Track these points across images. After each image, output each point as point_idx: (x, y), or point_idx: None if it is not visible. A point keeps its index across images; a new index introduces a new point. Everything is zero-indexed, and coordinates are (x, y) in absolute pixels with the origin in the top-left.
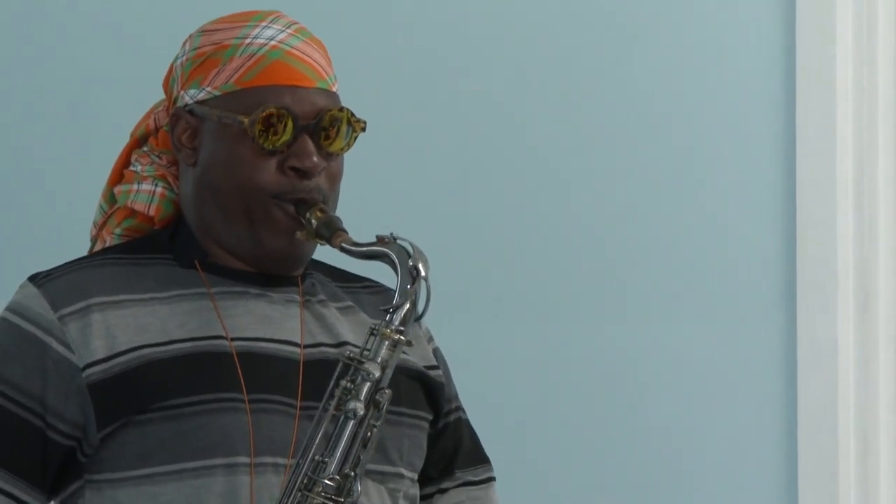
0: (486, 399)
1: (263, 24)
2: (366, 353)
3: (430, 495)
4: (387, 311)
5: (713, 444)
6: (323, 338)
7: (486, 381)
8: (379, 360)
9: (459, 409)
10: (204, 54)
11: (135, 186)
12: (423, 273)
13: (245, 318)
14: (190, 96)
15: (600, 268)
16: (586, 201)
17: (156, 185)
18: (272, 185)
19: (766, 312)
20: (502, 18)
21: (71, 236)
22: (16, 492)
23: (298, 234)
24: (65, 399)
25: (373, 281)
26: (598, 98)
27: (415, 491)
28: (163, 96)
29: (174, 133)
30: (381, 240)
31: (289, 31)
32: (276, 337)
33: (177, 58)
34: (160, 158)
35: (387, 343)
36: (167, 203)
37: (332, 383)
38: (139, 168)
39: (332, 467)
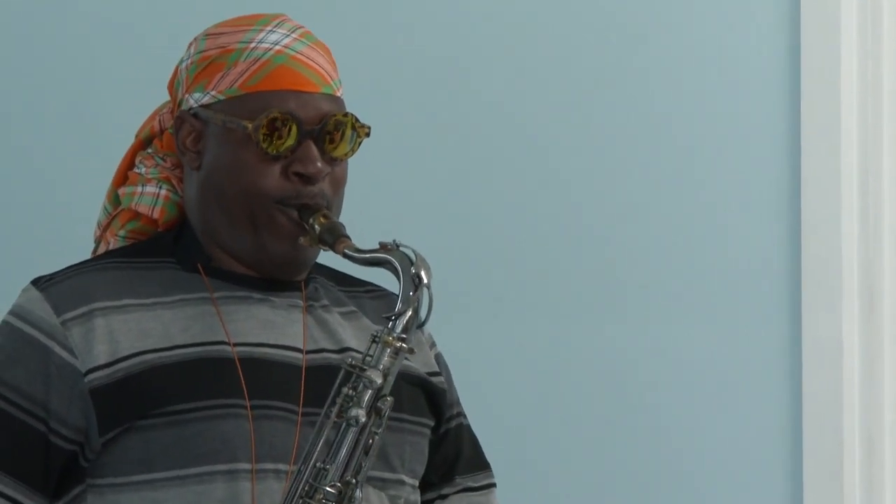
0: (487, 399)
1: (268, 28)
2: (368, 360)
3: (431, 501)
4: (389, 319)
5: (717, 444)
6: (325, 343)
7: (488, 381)
8: (381, 367)
9: (461, 414)
10: (209, 58)
11: (139, 189)
12: (425, 280)
13: (248, 323)
14: (194, 100)
15: (603, 267)
16: (588, 201)
17: (160, 187)
18: (276, 191)
19: (771, 312)
20: (505, 20)
21: (74, 238)
22: (18, 496)
23: (301, 240)
24: (67, 404)
25: (376, 285)
26: (599, 97)
27: (416, 497)
28: (168, 98)
29: (178, 136)
30: (383, 247)
31: (294, 35)
32: (278, 342)
33: (182, 60)
34: (164, 161)
35: (389, 350)
36: (171, 206)
37: (333, 390)
38: (143, 170)
39: (334, 474)
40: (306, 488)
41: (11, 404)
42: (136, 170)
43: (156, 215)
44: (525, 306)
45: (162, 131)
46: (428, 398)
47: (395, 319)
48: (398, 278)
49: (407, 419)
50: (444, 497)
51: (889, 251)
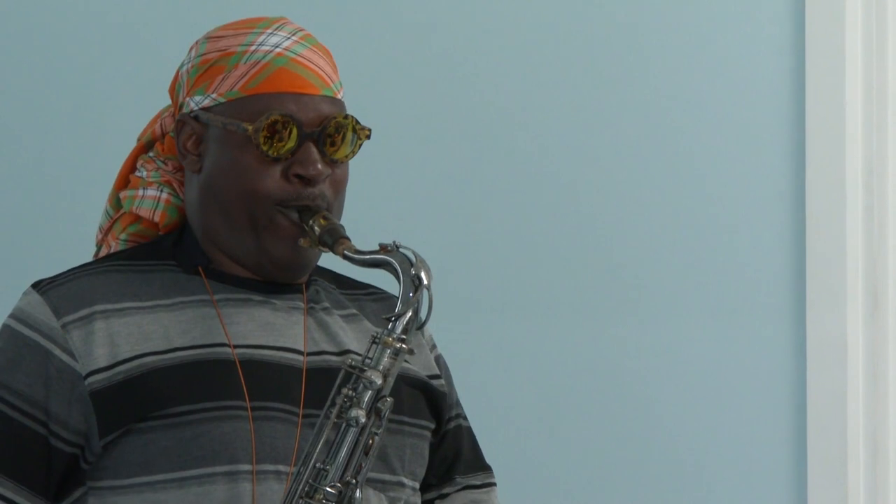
0: (492, 400)
1: (269, 31)
2: (367, 361)
3: (431, 501)
4: (389, 320)
5: (722, 444)
6: (326, 346)
7: (492, 382)
8: (381, 368)
9: (460, 416)
10: (209, 61)
11: (140, 192)
12: (425, 282)
13: (248, 326)
14: (195, 103)
15: (607, 268)
16: (593, 202)
17: (161, 190)
18: (276, 193)
19: (776, 312)
20: (509, 22)
21: (75, 242)
22: (19, 499)
23: (301, 242)
24: (67, 407)
25: (377, 288)
26: (606, 99)
27: (416, 500)
28: (169, 102)
29: (179, 139)
30: (383, 248)
31: (294, 38)
32: (278, 344)
33: (182, 64)
34: (166, 164)
35: (389, 351)
36: (172, 209)
37: (333, 391)
38: (145, 174)
39: (334, 475)
40: (306, 489)
41: (12, 407)
42: (137, 173)
43: (157, 219)
44: (529, 307)
45: (163, 135)
46: (428, 401)
47: (395, 320)
48: (398, 279)
49: (407, 421)
50: (445, 496)
51: (893, 251)
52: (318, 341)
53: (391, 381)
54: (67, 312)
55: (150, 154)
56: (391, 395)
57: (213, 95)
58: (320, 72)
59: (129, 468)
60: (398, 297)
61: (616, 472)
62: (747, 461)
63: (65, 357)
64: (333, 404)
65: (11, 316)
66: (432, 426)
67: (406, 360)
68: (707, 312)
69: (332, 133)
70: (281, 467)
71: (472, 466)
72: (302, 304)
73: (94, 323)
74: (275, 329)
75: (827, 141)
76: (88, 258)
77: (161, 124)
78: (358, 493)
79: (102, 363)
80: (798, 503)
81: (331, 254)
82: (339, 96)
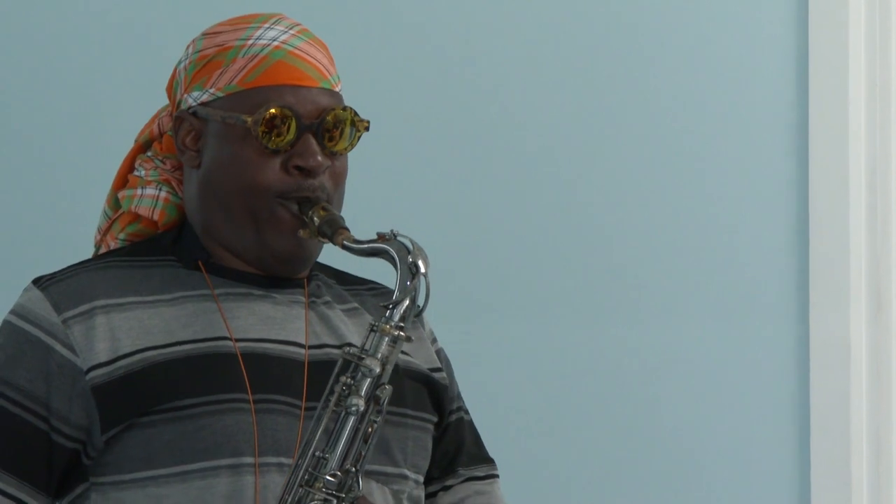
0: (494, 401)
1: (266, 25)
2: (366, 349)
3: (434, 494)
4: (386, 308)
5: (726, 445)
6: (327, 339)
7: (495, 382)
8: (379, 355)
9: (462, 409)
10: (207, 56)
11: (139, 191)
12: (422, 269)
13: (249, 320)
14: (193, 98)
15: (612, 268)
16: (597, 202)
17: (160, 189)
18: (276, 185)
19: (779, 312)
20: (510, 17)
21: (76, 239)
22: (21, 495)
23: (301, 233)
24: (69, 402)
25: (377, 283)
26: (608, 98)
27: (419, 492)
28: (167, 102)
29: (178, 135)
30: (381, 237)
31: (291, 31)
32: (280, 338)
33: (180, 61)
34: (164, 163)
35: (387, 339)
36: (171, 208)
37: (332, 379)
38: (143, 173)
39: (333, 463)
40: (306, 477)
41: (13, 403)
42: (135, 173)
43: (156, 217)
44: (531, 307)
45: (161, 134)
46: (430, 394)
47: (393, 308)
48: (395, 267)
49: (409, 414)
50: (448, 488)
51: None
52: (319, 334)
53: (389, 368)
54: (68, 308)
55: (149, 154)
56: (395, 388)
57: (212, 90)
58: (318, 64)
59: (132, 463)
60: (395, 285)
61: (619, 473)
62: (751, 461)
63: (66, 352)
64: (332, 392)
65: (12, 312)
66: (435, 419)
67: (406, 353)
68: (710, 312)
69: (330, 125)
70: (284, 460)
71: (475, 458)
72: (303, 299)
73: (94, 318)
74: (276, 323)
75: (830, 140)
76: (88, 256)
77: (159, 124)
78: (358, 482)
79: (103, 358)
80: (801, 502)
81: (331, 252)
82: (336, 89)
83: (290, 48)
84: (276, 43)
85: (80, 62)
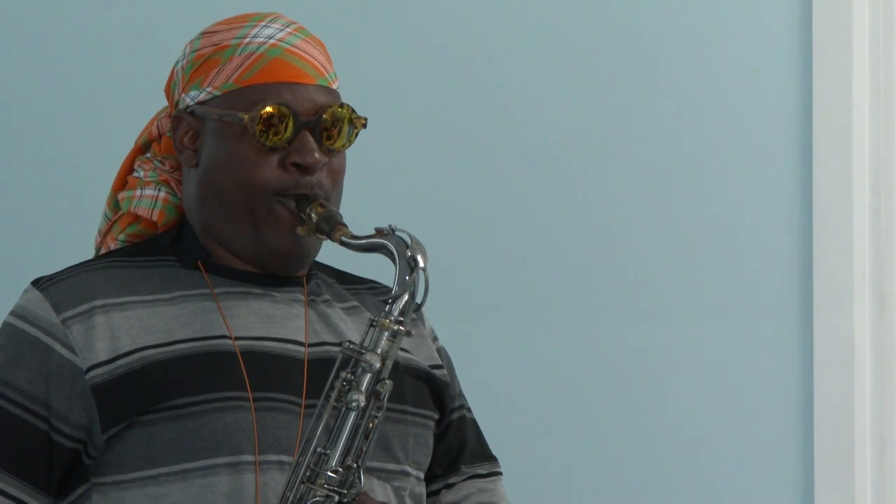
0: (501, 400)
1: (262, 23)
2: (365, 344)
3: (437, 492)
4: (386, 302)
5: (729, 446)
6: (327, 337)
7: (498, 381)
8: (379, 351)
9: (464, 407)
10: (204, 55)
11: (138, 192)
12: (421, 264)
13: (248, 318)
14: (191, 98)
15: (614, 270)
16: (599, 204)
17: (159, 190)
18: (274, 182)
19: (783, 313)
20: (510, 17)
21: (75, 240)
22: (21, 495)
23: (299, 230)
24: (69, 402)
25: (377, 282)
26: (612, 100)
27: (420, 489)
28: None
29: (176, 135)
30: (379, 232)
31: (288, 30)
32: (279, 336)
33: (177, 61)
34: (163, 164)
35: (386, 334)
36: (170, 208)
37: (332, 375)
38: (142, 174)
39: (335, 459)
40: (307, 474)
41: (13, 403)
42: (134, 174)
43: (155, 217)
44: (533, 309)
45: (160, 135)
46: (431, 391)
47: (392, 303)
48: (394, 262)
49: (410, 411)
50: (451, 486)
51: None
52: (319, 332)
53: (390, 363)
54: (67, 308)
55: (148, 155)
56: (395, 386)
57: (209, 89)
58: (315, 62)
59: (133, 462)
60: (394, 280)
61: (620, 473)
62: (754, 462)
63: (65, 352)
64: (332, 388)
65: (12, 313)
66: (436, 416)
67: (407, 350)
68: (713, 313)
69: (328, 123)
70: (284, 457)
71: (478, 456)
72: (302, 297)
73: (94, 317)
74: (275, 321)
75: (834, 142)
76: (87, 258)
77: (158, 125)
78: (359, 478)
79: (103, 357)
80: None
81: (330, 249)
82: (334, 86)
83: (287, 46)
84: (272, 41)
85: (80, 62)
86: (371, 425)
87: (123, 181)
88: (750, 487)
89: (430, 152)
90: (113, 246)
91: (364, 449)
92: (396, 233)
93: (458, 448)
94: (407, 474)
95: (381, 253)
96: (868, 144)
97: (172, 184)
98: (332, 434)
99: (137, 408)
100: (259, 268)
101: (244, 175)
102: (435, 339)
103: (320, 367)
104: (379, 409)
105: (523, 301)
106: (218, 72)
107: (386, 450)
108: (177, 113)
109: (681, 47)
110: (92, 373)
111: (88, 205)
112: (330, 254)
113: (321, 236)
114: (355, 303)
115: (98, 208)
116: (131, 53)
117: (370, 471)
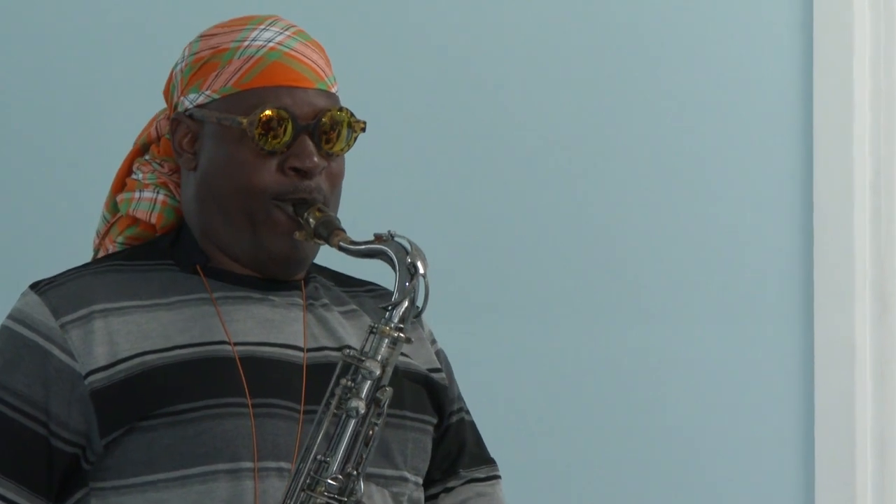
0: (501, 401)
1: (261, 27)
2: (366, 351)
3: (436, 495)
4: (386, 309)
5: (730, 446)
6: (326, 341)
7: (498, 381)
8: (379, 357)
9: (462, 410)
10: (202, 59)
11: (136, 194)
12: (421, 270)
13: (247, 323)
14: (190, 101)
15: (614, 269)
16: (600, 204)
17: (157, 192)
18: (273, 186)
19: (784, 313)
20: (510, 17)
21: (74, 243)
22: (20, 500)
23: (297, 235)
24: (67, 407)
25: (376, 285)
26: (612, 101)
27: (419, 494)
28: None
29: (175, 138)
30: (378, 238)
31: (287, 33)
32: (278, 341)
33: (176, 64)
34: (162, 166)
35: (386, 341)
36: (169, 211)
37: (332, 382)
38: (141, 176)
39: (335, 467)
40: (307, 481)
41: (12, 408)
42: (133, 176)
43: (153, 220)
44: (534, 309)
45: (159, 137)
46: (430, 395)
47: (392, 309)
48: (393, 268)
49: (409, 416)
50: (450, 490)
51: None
52: (317, 337)
53: (390, 370)
54: (66, 312)
55: (146, 157)
56: (394, 390)
57: (208, 92)
58: (314, 65)
59: (132, 467)
60: (394, 287)
61: (621, 473)
62: (755, 462)
63: (64, 357)
64: (333, 395)
65: (10, 317)
66: (434, 421)
67: (405, 354)
68: (714, 314)
69: (327, 127)
70: (283, 464)
71: (477, 459)
72: (301, 301)
73: (93, 322)
74: (274, 326)
75: (834, 142)
76: (86, 261)
77: (156, 127)
78: (359, 485)
79: (102, 362)
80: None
81: (328, 254)
82: (333, 90)
83: (286, 49)
84: (271, 44)
85: (81, 62)
86: (371, 432)
87: (122, 183)
88: (750, 488)
89: (429, 153)
90: (111, 248)
91: (364, 456)
92: (396, 238)
93: (457, 451)
94: (405, 480)
95: (381, 259)
96: (868, 145)
97: (171, 186)
98: (331, 441)
99: (137, 413)
100: (257, 271)
101: (243, 179)
102: (433, 341)
103: (319, 373)
104: (379, 416)
105: (523, 301)
106: (217, 75)
107: (384, 455)
108: (175, 116)
109: (681, 48)
110: (91, 378)
111: (87, 206)
112: (329, 256)
113: (319, 241)
114: (354, 306)
115: (97, 209)
116: (131, 54)
117: (368, 477)
